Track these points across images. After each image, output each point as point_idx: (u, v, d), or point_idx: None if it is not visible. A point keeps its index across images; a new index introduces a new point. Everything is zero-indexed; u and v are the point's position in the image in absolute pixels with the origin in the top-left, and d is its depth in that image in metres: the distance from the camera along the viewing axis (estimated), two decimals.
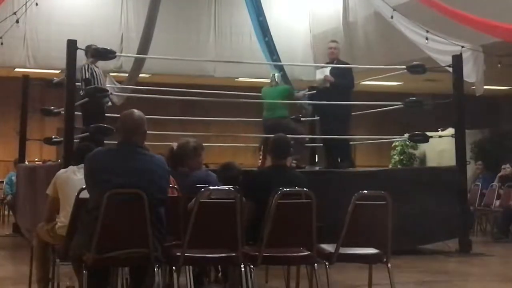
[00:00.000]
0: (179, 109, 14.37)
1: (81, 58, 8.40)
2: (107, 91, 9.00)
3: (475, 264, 8.45)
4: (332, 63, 9.76)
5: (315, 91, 10.42)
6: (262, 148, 9.36)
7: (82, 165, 4.59)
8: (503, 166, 12.87)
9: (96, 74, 9.08)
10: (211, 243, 4.63)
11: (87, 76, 8.94)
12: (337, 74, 9.58)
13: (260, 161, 9.40)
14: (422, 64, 9.84)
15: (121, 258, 4.28)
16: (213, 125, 15.94)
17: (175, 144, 6.44)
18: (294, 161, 9.61)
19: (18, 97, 11.97)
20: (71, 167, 5.48)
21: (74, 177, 5.25)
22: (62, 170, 5.56)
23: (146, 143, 4.52)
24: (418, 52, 11.10)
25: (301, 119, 11.67)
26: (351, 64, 10.05)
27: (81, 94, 8.81)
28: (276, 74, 10.57)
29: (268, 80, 10.37)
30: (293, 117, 11.19)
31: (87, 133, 8.25)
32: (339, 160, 9.59)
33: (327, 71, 9.66)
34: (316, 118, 11.82)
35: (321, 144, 10.98)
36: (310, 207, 4.72)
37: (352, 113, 9.93)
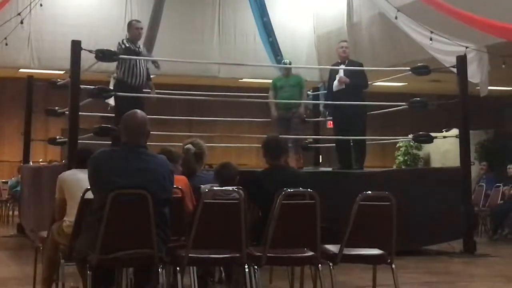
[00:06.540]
0: (184, 109, 14.37)
1: (85, 58, 8.39)
2: (112, 90, 8.93)
3: (479, 265, 8.44)
4: (343, 62, 9.65)
5: (325, 92, 10.33)
6: None
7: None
8: (508, 166, 12.85)
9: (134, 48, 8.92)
10: (215, 243, 4.62)
11: (126, 45, 8.95)
12: (350, 75, 9.48)
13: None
14: (427, 65, 9.82)
15: (126, 259, 4.28)
16: (217, 125, 15.92)
17: (190, 146, 6.40)
18: None
19: (22, 97, 11.98)
20: (74, 170, 5.55)
21: (80, 177, 5.27)
22: (66, 172, 5.61)
23: (151, 143, 4.52)
24: (422, 52, 11.09)
25: (306, 119, 11.63)
26: (362, 64, 9.96)
27: (114, 76, 8.67)
28: (288, 61, 10.39)
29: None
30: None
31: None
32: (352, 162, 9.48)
33: (341, 73, 9.52)
34: (320, 119, 11.83)
35: (326, 145, 10.96)
36: (314, 208, 4.72)
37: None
